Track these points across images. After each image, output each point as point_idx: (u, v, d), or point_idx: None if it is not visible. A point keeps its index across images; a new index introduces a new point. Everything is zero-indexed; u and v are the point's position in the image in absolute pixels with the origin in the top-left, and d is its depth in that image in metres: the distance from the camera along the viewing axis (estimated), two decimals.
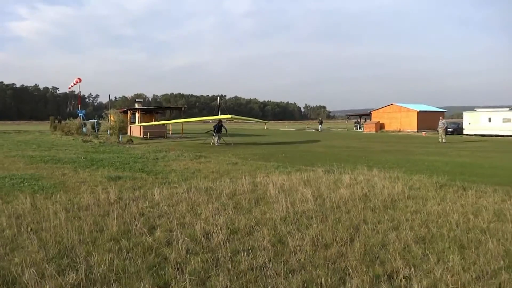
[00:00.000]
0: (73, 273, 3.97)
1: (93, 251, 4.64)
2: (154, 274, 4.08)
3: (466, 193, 8.11)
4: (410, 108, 49.89)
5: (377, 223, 5.96)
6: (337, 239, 5.17)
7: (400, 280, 4.01)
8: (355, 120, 63.52)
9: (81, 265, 4.13)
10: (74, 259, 4.42)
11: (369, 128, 50.24)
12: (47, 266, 4.16)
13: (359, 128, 56.22)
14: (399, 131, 48.12)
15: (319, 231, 5.49)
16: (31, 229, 5.52)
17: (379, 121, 51.06)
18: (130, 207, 6.90)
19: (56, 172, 11.49)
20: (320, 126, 56.53)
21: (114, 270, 4.10)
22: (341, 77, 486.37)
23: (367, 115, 58.69)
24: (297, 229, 5.62)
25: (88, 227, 5.58)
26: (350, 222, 6.00)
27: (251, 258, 4.46)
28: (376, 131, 48.72)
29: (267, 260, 4.44)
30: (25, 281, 3.79)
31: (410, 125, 48.58)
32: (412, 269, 4.28)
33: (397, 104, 51.69)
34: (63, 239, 5.11)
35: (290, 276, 4.09)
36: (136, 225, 5.68)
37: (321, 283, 3.92)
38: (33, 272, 3.89)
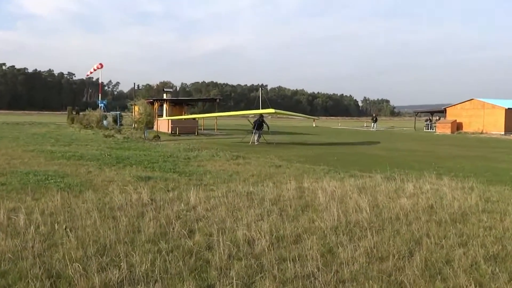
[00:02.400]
0: (116, 270, 4.69)
1: (132, 251, 5.36)
2: (197, 276, 4.72)
3: None
4: (495, 105, 48.23)
5: (442, 238, 6.31)
6: (395, 252, 5.59)
7: None
8: (426, 118, 62.28)
9: (123, 264, 4.84)
10: (114, 258, 5.15)
11: (442, 128, 49.29)
12: (88, 263, 4.92)
13: (431, 128, 55.16)
14: (481, 132, 46.77)
15: (374, 243, 5.93)
16: (65, 227, 6.35)
17: (455, 120, 49.87)
18: (164, 209, 7.64)
19: (80, 170, 12.57)
20: (373, 124, 55.62)
21: (156, 270, 4.78)
22: (409, 65, 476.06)
23: (440, 112, 57.51)
24: (349, 240, 6.09)
25: (124, 228, 6.34)
26: (411, 235, 6.38)
27: (298, 267, 4.99)
28: (452, 132, 47.69)
29: (315, 269, 4.96)
30: (71, 275, 4.55)
31: (495, 126, 47.02)
32: (478, 287, 4.65)
33: (479, 99, 50.15)
34: (99, 238, 5.88)
35: (340, 287, 4.59)
36: (173, 228, 6.38)
37: None
38: (78, 266, 4.65)
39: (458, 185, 10.67)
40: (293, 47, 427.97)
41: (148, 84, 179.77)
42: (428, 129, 55.38)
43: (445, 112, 53.43)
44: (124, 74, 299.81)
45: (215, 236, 6.00)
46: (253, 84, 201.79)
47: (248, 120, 31.93)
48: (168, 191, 9.46)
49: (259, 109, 30.42)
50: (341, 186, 10.14)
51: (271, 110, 28.03)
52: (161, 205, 7.94)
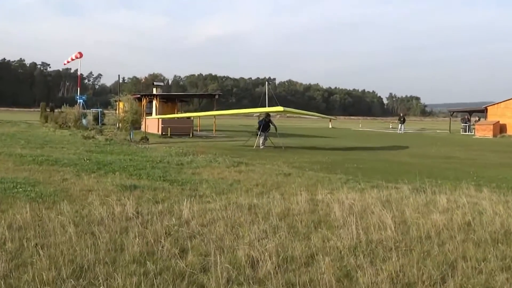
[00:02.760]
0: None
1: (113, 273, 5.37)
2: None
3: None
4: None
5: (481, 261, 6.29)
6: (424, 278, 5.58)
7: None
8: (462, 117, 61.82)
9: None
10: (93, 281, 5.17)
11: (483, 131, 49.14)
12: (63, 286, 4.94)
13: (468, 130, 55.00)
14: None
15: (400, 266, 5.92)
16: (36, 244, 6.37)
17: (498, 121, 49.73)
18: (152, 224, 7.66)
19: (54, 177, 12.63)
20: (400, 125, 55.39)
21: None
22: (443, 56, 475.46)
23: (480, 111, 57.37)
24: (370, 262, 6.08)
25: (104, 246, 6.36)
26: (444, 258, 6.37)
27: None
28: (494, 136, 47.56)
29: None
30: None
31: None
32: None
33: None
34: (75, 257, 5.90)
35: None
36: (163, 246, 6.39)
37: None
38: None
39: (501, 198, 10.64)
40: (305, 34, 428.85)
41: (135, 77, 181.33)
42: (465, 132, 55.26)
43: (486, 112, 53.27)
44: (107, 65, 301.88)
45: (211, 256, 6.00)
46: (258, 78, 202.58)
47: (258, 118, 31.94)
48: (157, 202, 9.49)
49: (265, 107, 30.49)
50: (362, 198, 10.15)
51: (280, 108, 28.03)
52: (148, 219, 7.97)
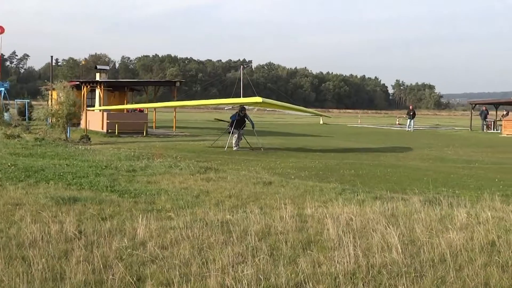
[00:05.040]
0: None
1: None
2: None
3: None
4: None
5: None
6: None
7: None
8: (480, 110, 60.89)
9: None
10: None
11: (510, 128, 49.65)
12: None
13: (493, 127, 55.44)
14: None
15: None
16: None
17: None
18: (99, 246, 7.70)
19: None
20: (410, 121, 55.52)
21: None
22: (462, 35, 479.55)
23: (509, 103, 58.02)
24: None
25: (39, 274, 6.38)
26: (462, 285, 6.53)
27: None
28: None
29: None
30: None
31: None
32: None
33: None
34: None
35: None
36: (113, 274, 6.45)
37: None
38: None
39: None
40: (290, 4, 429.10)
41: (71, 59, 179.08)
42: (489, 130, 55.18)
43: None
44: (36, 43, 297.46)
45: (175, 285, 6.08)
46: (230, 60, 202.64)
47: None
48: (104, 219, 9.47)
49: (240, 97, 30.57)
50: (361, 213, 10.25)
51: (258, 100, 27.97)
52: (94, 241, 7.98)
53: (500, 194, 13.32)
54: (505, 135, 47.99)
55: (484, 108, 59.60)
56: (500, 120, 54.83)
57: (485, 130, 55.32)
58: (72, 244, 7.80)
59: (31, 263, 6.76)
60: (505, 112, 59.62)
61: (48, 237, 8.06)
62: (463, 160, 24.58)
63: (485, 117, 57.45)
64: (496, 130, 54.15)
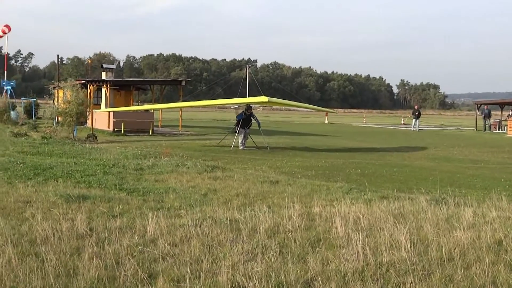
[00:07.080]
0: None
1: None
2: None
3: None
4: None
5: None
6: None
7: None
8: (482, 112, 60.48)
9: None
10: None
11: None
12: None
13: (498, 127, 55.39)
14: None
15: None
16: None
17: None
18: (111, 243, 7.80)
19: None
20: (415, 121, 55.38)
21: None
22: (469, 32, 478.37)
23: None
24: None
25: (53, 270, 6.48)
26: (470, 283, 6.60)
27: None
28: None
29: None
30: None
31: None
32: None
33: None
34: (18, 284, 6.03)
35: None
36: (125, 270, 6.55)
37: None
38: None
39: None
40: (295, 4, 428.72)
41: (76, 57, 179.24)
42: (494, 130, 55.24)
43: None
44: (41, 41, 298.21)
45: (187, 282, 6.17)
46: (235, 59, 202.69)
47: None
48: (114, 217, 9.60)
49: (245, 97, 30.55)
50: (369, 212, 10.34)
51: (264, 99, 27.91)
52: (105, 238, 8.08)
53: (507, 194, 13.35)
54: (511, 136, 47.95)
55: (485, 107, 59.45)
56: (506, 120, 54.79)
57: (487, 130, 55.07)
58: (83, 241, 7.89)
59: (44, 260, 6.85)
60: (510, 112, 59.50)
61: (60, 234, 8.15)
62: (468, 160, 24.65)
63: (488, 117, 57.30)
64: (502, 130, 54.08)
